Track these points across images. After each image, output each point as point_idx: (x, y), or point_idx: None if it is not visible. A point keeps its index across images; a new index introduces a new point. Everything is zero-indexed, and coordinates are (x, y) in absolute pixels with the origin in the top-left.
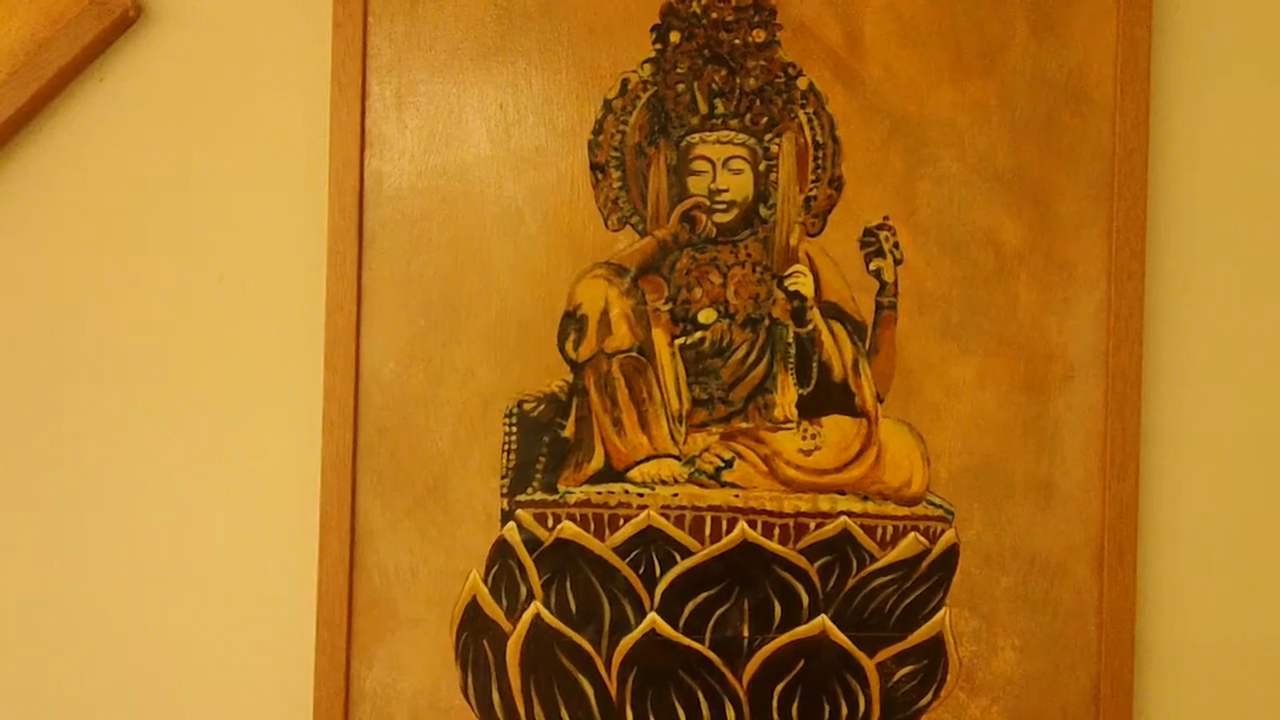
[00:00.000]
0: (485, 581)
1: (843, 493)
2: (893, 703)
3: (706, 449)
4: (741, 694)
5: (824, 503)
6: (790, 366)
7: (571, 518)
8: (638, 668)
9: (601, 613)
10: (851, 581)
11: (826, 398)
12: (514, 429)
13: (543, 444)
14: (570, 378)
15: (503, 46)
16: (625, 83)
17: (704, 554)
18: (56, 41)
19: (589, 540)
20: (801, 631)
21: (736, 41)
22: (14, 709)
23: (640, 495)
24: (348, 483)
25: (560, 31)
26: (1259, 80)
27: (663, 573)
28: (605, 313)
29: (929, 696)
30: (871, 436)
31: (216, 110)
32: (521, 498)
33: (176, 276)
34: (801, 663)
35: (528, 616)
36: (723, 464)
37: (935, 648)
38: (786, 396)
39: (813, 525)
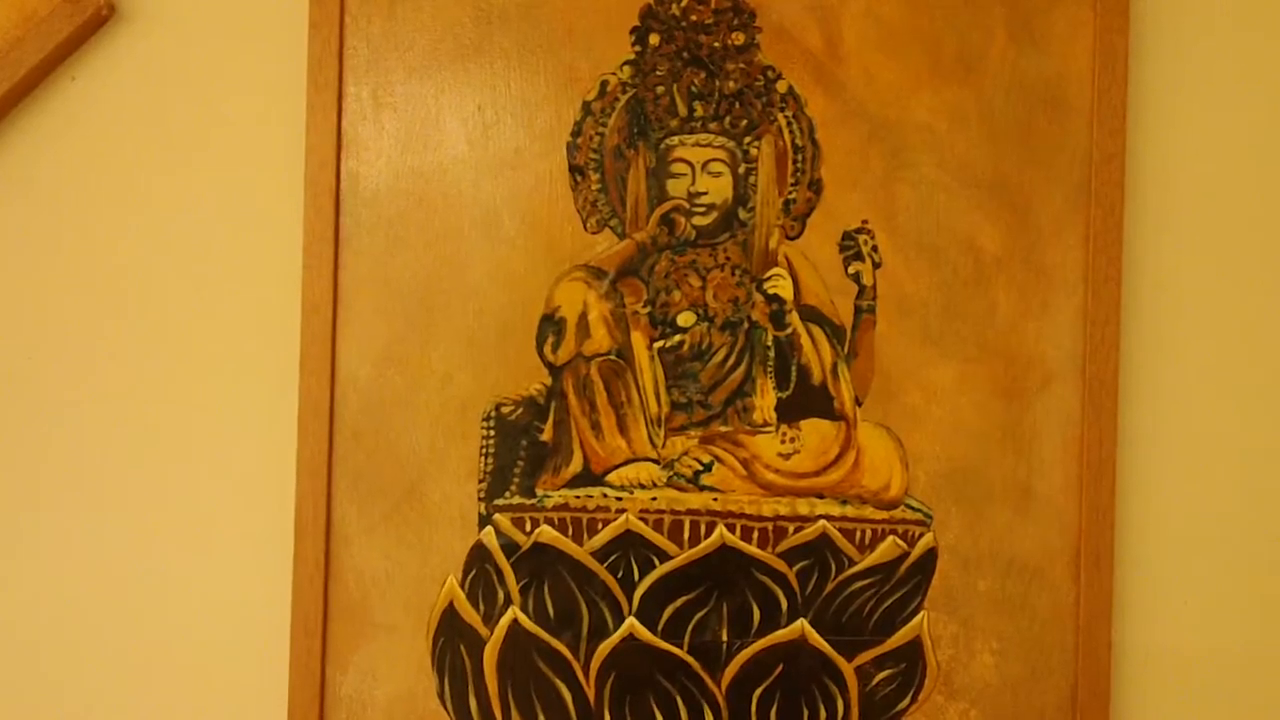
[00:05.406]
0: (462, 586)
1: (821, 496)
2: (871, 706)
3: (685, 452)
4: (720, 698)
5: (803, 506)
6: (769, 370)
7: (549, 522)
8: (616, 673)
9: (579, 617)
10: (830, 585)
11: (805, 401)
12: (492, 432)
13: (521, 447)
14: (548, 381)
15: (481, 48)
16: (604, 85)
17: (683, 558)
18: (28, 40)
19: (567, 544)
20: (780, 635)
21: (716, 44)
22: None
23: (619, 499)
24: (323, 487)
25: (539, 33)
26: (1235, 87)
27: (641, 577)
28: (584, 315)
29: (907, 700)
30: (850, 440)
31: (191, 111)
32: (499, 502)
33: (150, 278)
34: (780, 667)
35: (505, 621)
36: (701, 468)
37: (913, 651)
38: (765, 400)
39: (791, 529)
